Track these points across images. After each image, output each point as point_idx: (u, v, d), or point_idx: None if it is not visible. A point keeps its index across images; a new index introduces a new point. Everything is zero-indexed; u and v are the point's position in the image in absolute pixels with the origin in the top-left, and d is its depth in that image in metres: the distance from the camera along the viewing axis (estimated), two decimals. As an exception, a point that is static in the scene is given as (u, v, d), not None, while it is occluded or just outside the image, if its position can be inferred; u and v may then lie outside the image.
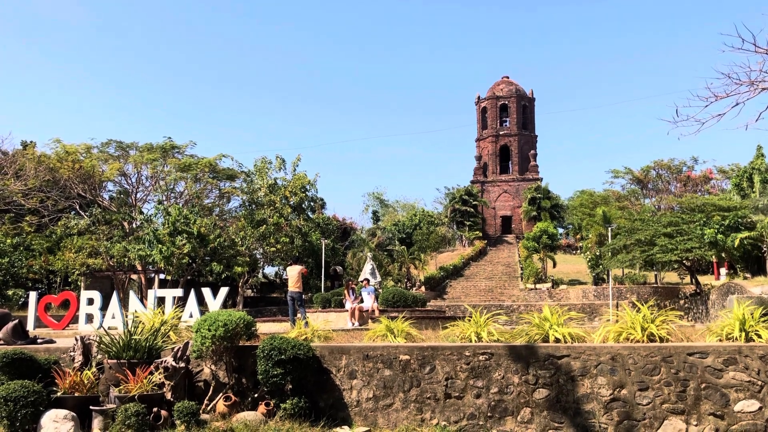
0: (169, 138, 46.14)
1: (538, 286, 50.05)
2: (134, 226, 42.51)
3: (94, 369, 11.75)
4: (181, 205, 42.69)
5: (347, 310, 21.86)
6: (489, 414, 10.43)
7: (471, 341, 11.17)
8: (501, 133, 75.56)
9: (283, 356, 10.82)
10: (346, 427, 10.73)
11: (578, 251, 63.89)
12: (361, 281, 24.40)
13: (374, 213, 76.61)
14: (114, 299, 19.02)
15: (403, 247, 56.43)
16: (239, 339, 11.74)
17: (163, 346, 12.09)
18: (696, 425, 9.70)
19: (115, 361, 11.20)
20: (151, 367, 11.21)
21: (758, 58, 8.86)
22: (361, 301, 22.44)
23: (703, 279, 43.10)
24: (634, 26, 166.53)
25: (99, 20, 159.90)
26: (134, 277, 42.60)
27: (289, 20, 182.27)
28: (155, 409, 10.47)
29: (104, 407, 10.73)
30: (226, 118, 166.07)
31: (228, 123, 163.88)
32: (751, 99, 8.86)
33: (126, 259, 38.10)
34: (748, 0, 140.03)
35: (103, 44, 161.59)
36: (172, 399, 11.14)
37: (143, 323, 12.82)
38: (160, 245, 35.47)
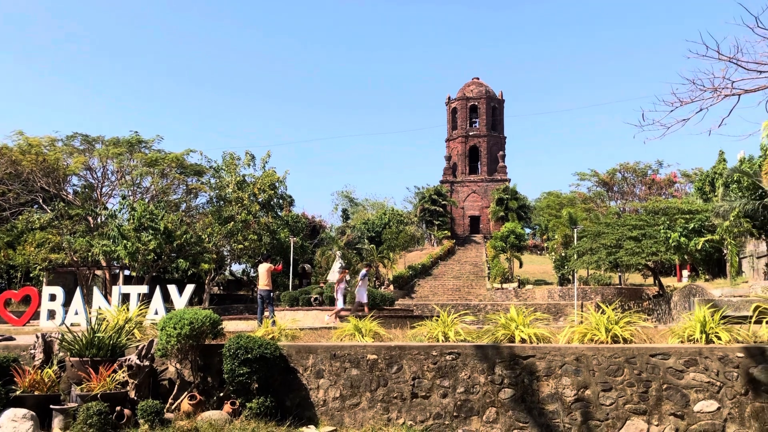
0: (136, 132, 45.48)
1: (504, 285, 50.45)
2: (99, 221, 41.78)
3: (55, 367, 11.54)
4: (147, 200, 42.09)
5: (333, 307, 21.85)
6: (455, 414, 10.49)
7: (438, 341, 11.23)
8: (470, 133, 76.00)
9: (249, 355, 10.75)
10: (312, 427, 10.70)
11: (544, 252, 64.57)
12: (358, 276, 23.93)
13: (344, 211, 76.48)
14: (77, 295, 18.71)
15: (372, 245, 56.43)
16: (205, 337, 11.64)
17: (128, 344, 11.92)
18: (657, 425, 9.88)
19: (77, 359, 11.01)
20: (115, 365, 11.05)
21: (721, 66, 9.05)
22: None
23: (666, 281, 43.93)
24: (602, 32, 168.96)
25: (63, 11, 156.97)
26: (98, 273, 41.90)
27: (259, 17, 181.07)
28: (118, 408, 10.32)
29: (65, 406, 10.54)
30: (194, 114, 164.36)
31: (197, 118, 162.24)
32: (714, 105, 9.05)
33: (90, 255, 37.45)
34: (713, 8, 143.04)
35: (67, 36, 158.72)
36: (135, 398, 11.00)
37: (107, 320, 12.64)
38: (125, 241, 34.93)
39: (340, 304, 22.44)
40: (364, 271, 22.83)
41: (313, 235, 59.69)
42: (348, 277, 22.95)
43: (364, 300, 22.01)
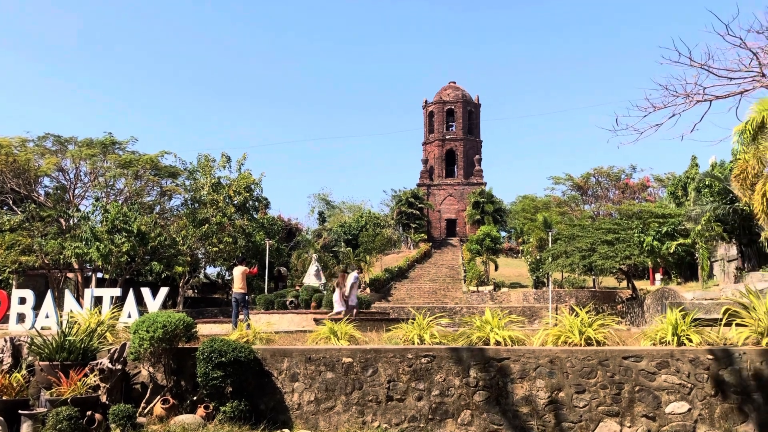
0: (110, 133, 44.89)
1: (480, 288, 50.69)
2: (71, 223, 41.17)
3: (24, 371, 11.35)
4: (120, 202, 41.60)
5: (334, 306, 21.92)
6: (430, 416, 10.50)
7: (414, 343, 11.23)
8: (447, 137, 76.33)
9: (223, 358, 10.67)
10: (286, 430, 10.65)
11: (520, 255, 64.99)
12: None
13: (320, 214, 76.30)
14: (48, 298, 18.38)
15: (348, 248, 56.38)
16: (179, 341, 11.53)
17: (100, 347, 11.77)
18: (629, 427, 9.97)
19: (47, 362, 10.83)
20: (86, 369, 10.90)
21: (694, 72, 9.19)
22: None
23: (639, 284, 44.45)
24: (577, 37, 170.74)
25: (33, 7, 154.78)
26: (70, 275, 41.28)
27: (233, 18, 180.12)
28: (89, 413, 10.17)
29: (34, 411, 10.36)
30: (169, 115, 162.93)
31: (172, 120, 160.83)
32: (686, 111, 9.20)
33: (62, 257, 36.87)
34: (686, 15, 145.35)
35: (40, 34, 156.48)
36: (107, 402, 10.85)
37: (79, 324, 12.47)
38: (97, 243, 34.47)
39: (337, 307, 22.39)
40: (355, 273, 22.96)
41: (289, 238, 59.39)
42: (353, 280, 22.75)
43: (355, 302, 22.30)
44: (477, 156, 76.34)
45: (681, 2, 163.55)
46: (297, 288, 35.03)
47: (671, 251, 37.60)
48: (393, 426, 10.58)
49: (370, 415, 10.69)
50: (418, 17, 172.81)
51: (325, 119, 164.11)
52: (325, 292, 29.01)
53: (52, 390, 10.47)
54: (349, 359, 10.97)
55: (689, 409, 9.90)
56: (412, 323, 11.78)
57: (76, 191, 45.55)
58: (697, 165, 47.53)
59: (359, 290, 22.54)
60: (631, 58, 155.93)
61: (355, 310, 21.38)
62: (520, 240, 66.26)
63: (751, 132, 15.36)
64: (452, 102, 76.86)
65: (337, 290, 22.81)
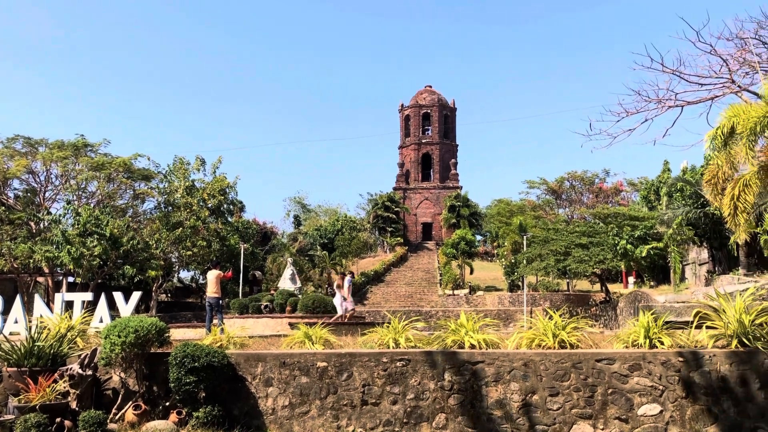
0: (82, 135, 44.34)
1: (456, 292, 50.86)
2: (42, 226, 40.53)
3: (-9, 378, 11.11)
4: (92, 205, 41.02)
5: (338, 310, 22.16)
6: (405, 420, 10.48)
7: (389, 347, 11.22)
8: (423, 141, 76.55)
9: (196, 363, 10.56)
10: (260, 436, 10.56)
11: (495, 258, 65.34)
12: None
13: (296, 217, 75.97)
14: (17, 303, 18.01)
15: (324, 252, 56.18)
16: (151, 346, 11.39)
17: (70, 353, 11.58)
18: (602, 429, 10.05)
19: (15, 369, 10.63)
20: (56, 375, 10.72)
21: (666, 78, 9.32)
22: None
23: (613, 287, 44.93)
24: (551, 43, 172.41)
25: (2, 5, 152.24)
26: (40, 280, 40.62)
27: (209, 21, 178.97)
28: (58, 420, 10.00)
29: (2, 418, 10.17)
30: (143, 118, 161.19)
31: (146, 123, 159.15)
32: (659, 116, 9.32)
33: (31, 261, 36.26)
34: (658, 22, 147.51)
35: (8, 31, 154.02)
36: (77, 408, 10.67)
37: (48, 329, 12.25)
38: (68, 246, 33.95)
39: (340, 310, 22.48)
40: (349, 277, 23.35)
41: (264, 242, 59.04)
42: (347, 283, 22.88)
43: (351, 306, 22.80)
44: (453, 160, 76.67)
45: (653, 9, 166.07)
46: (272, 292, 34.81)
47: (644, 255, 38.09)
48: (368, 430, 10.54)
49: (345, 420, 10.65)
50: (394, 22, 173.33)
51: (301, 123, 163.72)
52: (300, 296, 28.86)
53: (21, 396, 10.27)
54: (324, 363, 10.92)
55: (661, 411, 10.01)
56: (388, 327, 11.77)
57: (47, 194, 44.88)
58: (669, 170, 48.22)
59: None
60: (605, 64, 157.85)
61: (352, 311, 22.02)
62: (495, 244, 66.61)
63: (722, 137, 15.59)
64: (428, 106, 77.13)
65: (338, 294, 22.87)
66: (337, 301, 23.01)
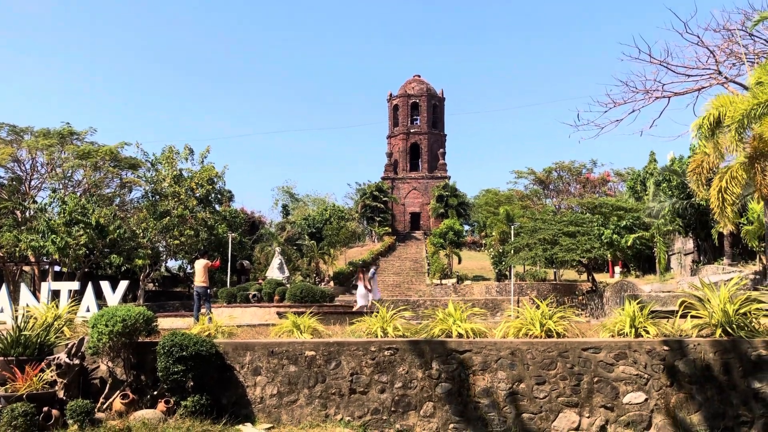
0: (68, 123, 44.01)
1: (443, 281, 51.06)
2: (27, 215, 40.23)
3: (-23, 367, 11.05)
4: (79, 194, 40.76)
5: (354, 301, 22.27)
6: (393, 409, 10.54)
7: (377, 336, 11.25)
8: (412, 131, 76.50)
9: (184, 353, 10.55)
10: (248, 424, 10.58)
11: (483, 248, 65.61)
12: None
13: (284, 207, 75.82)
14: (2, 292, 17.88)
15: (312, 241, 56.17)
16: (138, 335, 11.36)
17: (57, 342, 11.53)
18: (588, 417, 10.16)
19: (1, 358, 10.58)
20: (43, 364, 10.67)
21: (653, 68, 9.37)
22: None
23: (599, 276, 45.27)
24: (540, 33, 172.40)
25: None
26: (27, 269, 40.39)
27: (196, 9, 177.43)
28: (45, 409, 9.96)
29: (-12, 407, 10.10)
30: (130, 106, 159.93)
31: (132, 111, 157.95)
32: (646, 107, 9.39)
33: (17, 250, 36.03)
34: (646, 12, 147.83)
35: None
36: (65, 397, 10.64)
37: (35, 318, 12.18)
38: (54, 235, 33.73)
39: (361, 301, 22.58)
40: (373, 269, 23.65)
41: (252, 231, 58.93)
42: (372, 275, 23.04)
43: (378, 296, 22.97)
44: (441, 150, 76.71)
45: None
46: (260, 281, 34.73)
47: (629, 244, 38.37)
48: (356, 419, 10.59)
49: (333, 408, 10.70)
50: (383, 11, 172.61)
51: (290, 112, 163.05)
52: (288, 285, 28.85)
53: (7, 386, 10.23)
54: (312, 352, 10.95)
55: (646, 399, 10.12)
56: (376, 316, 11.80)
57: (33, 182, 44.54)
58: (655, 160, 48.54)
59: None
60: (593, 54, 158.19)
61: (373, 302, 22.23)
62: (483, 233, 66.89)
63: (708, 127, 15.71)
64: (417, 95, 77.04)
65: (360, 285, 22.97)
66: (360, 292, 23.03)
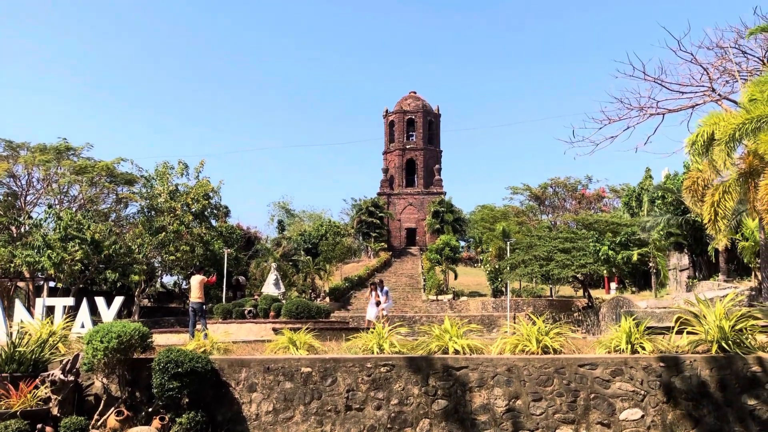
0: (64, 139, 44.03)
1: (440, 297, 50.94)
2: (23, 230, 40.11)
3: (-29, 384, 10.98)
4: (74, 209, 40.69)
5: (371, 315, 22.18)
6: (389, 425, 10.50)
7: (373, 353, 11.23)
8: (407, 146, 76.70)
9: (179, 369, 10.51)
10: (244, 441, 10.52)
11: (479, 264, 65.56)
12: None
13: (280, 222, 75.74)
14: (-3, 308, 17.82)
15: (308, 257, 56.06)
16: (134, 351, 11.31)
17: (51, 358, 11.49)
18: (585, 434, 10.13)
19: (-5, 374, 10.52)
20: (37, 380, 10.62)
21: (647, 86, 9.46)
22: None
23: (595, 293, 45.25)
24: (535, 50, 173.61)
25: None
26: (21, 284, 40.15)
27: (191, 23, 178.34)
28: (39, 426, 9.92)
29: (-18, 424, 10.04)
30: (126, 123, 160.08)
31: (128, 127, 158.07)
32: (641, 123, 9.46)
33: (12, 266, 35.86)
34: (640, 30, 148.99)
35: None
36: (59, 414, 10.58)
37: (30, 334, 12.15)
38: (49, 251, 33.61)
39: (371, 316, 22.47)
40: (386, 288, 23.62)
41: (247, 247, 58.79)
42: (382, 295, 22.99)
43: (391, 304, 23.50)
44: (437, 165, 76.87)
45: (636, 18, 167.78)
46: (256, 297, 34.64)
47: (626, 260, 38.40)
48: (352, 436, 10.54)
49: (329, 425, 10.65)
50: (380, 28, 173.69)
51: (286, 128, 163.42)
52: (284, 301, 28.77)
53: (1, 403, 10.17)
54: (308, 369, 10.92)
55: (642, 416, 10.11)
56: (372, 332, 11.78)
57: (28, 198, 44.46)
58: (650, 177, 48.77)
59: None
60: (588, 72, 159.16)
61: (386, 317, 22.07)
62: (479, 249, 66.86)
63: (702, 144, 15.79)
64: (413, 112, 77.32)
65: (372, 300, 22.89)
66: (371, 309, 22.88)
